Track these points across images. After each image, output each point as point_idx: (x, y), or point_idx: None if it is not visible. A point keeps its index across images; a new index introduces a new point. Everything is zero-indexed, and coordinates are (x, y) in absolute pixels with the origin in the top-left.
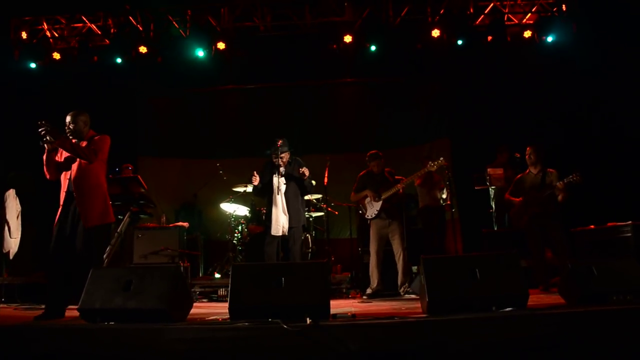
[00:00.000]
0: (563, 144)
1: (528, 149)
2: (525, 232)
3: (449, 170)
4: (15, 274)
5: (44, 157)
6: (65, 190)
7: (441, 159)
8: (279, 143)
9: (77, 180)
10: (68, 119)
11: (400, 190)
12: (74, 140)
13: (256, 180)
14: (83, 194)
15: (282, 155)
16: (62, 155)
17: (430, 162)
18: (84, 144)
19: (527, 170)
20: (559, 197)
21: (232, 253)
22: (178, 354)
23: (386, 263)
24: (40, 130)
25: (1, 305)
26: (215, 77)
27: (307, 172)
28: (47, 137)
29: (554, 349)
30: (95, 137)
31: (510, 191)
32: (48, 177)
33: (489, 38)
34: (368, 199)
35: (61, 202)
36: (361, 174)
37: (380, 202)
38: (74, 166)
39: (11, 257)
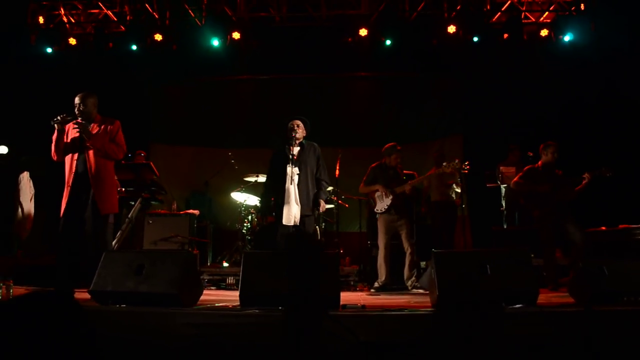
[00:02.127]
0: (576, 144)
1: (552, 147)
2: (539, 229)
3: (465, 169)
4: (27, 256)
5: (54, 137)
6: (72, 171)
7: (456, 160)
8: (297, 124)
9: (96, 170)
10: (77, 100)
11: (408, 190)
12: (96, 130)
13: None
14: (101, 183)
15: (297, 133)
16: (68, 136)
17: (445, 163)
18: (94, 127)
19: (540, 163)
20: (577, 187)
21: (241, 242)
22: (188, 338)
23: (393, 257)
24: (68, 118)
25: (14, 286)
26: (229, 66)
27: (323, 207)
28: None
29: (563, 347)
30: (110, 126)
31: (522, 177)
32: (55, 158)
33: (505, 36)
34: (379, 193)
35: (69, 184)
36: (373, 165)
37: (391, 198)
38: (91, 154)
39: (24, 239)
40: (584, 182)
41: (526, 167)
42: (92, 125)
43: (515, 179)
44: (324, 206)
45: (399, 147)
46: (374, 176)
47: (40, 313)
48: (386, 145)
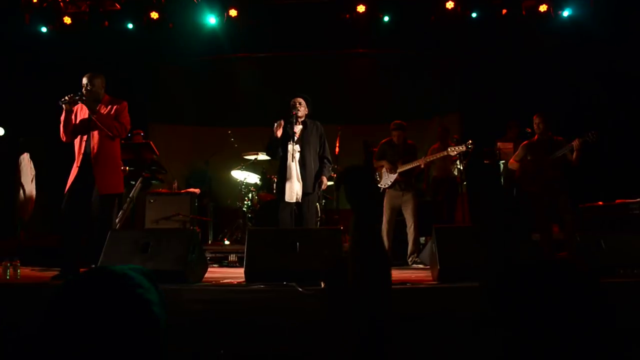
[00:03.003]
0: (573, 119)
1: (535, 117)
2: (533, 204)
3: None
4: (29, 237)
5: (62, 117)
6: (82, 152)
7: (467, 142)
8: (299, 101)
9: (99, 149)
10: (84, 80)
11: (422, 166)
12: (104, 111)
13: (280, 129)
14: (104, 163)
15: (299, 111)
16: (77, 117)
17: (451, 147)
18: (102, 108)
19: (535, 137)
20: (574, 156)
21: (242, 220)
22: (195, 314)
23: (395, 233)
24: (76, 98)
25: (20, 267)
26: (227, 44)
27: (324, 184)
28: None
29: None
30: (117, 106)
31: (516, 156)
32: (64, 139)
33: (504, 11)
34: (384, 169)
35: (77, 164)
36: (383, 141)
37: (396, 174)
38: (95, 134)
39: (26, 220)
40: (575, 148)
41: (522, 143)
42: (99, 105)
43: (511, 159)
44: (326, 183)
45: (404, 124)
46: (383, 151)
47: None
48: (393, 123)
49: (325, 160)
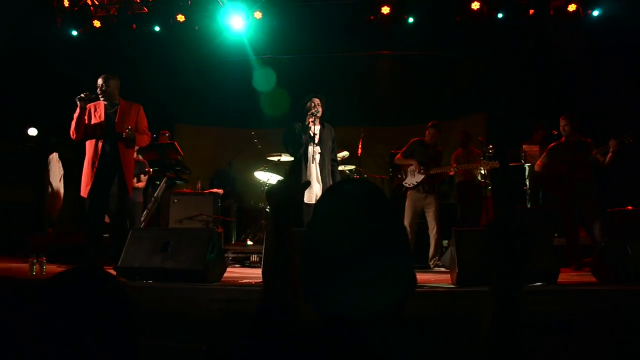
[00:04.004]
0: (601, 121)
1: (562, 119)
2: (561, 208)
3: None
4: (57, 234)
5: (76, 115)
6: (99, 154)
7: (496, 160)
8: (317, 102)
9: (126, 154)
10: (100, 81)
11: (452, 173)
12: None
13: (312, 118)
14: (128, 167)
15: (319, 112)
16: (90, 117)
17: (483, 161)
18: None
19: (562, 139)
20: (607, 157)
21: (264, 221)
22: (212, 313)
23: (417, 237)
24: (93, 96)
25: (46, 263)
26: (252, 46)
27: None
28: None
29: (582, 325)
30: (136, 115)
31: (544, 159)
32: (74, 137)
33: (531, 11)
34: (412, 167)
35: (96, 165)
36: (414, 139)
37: (423, 176)
38: (113, 139)
39: (54, 217)
40: (611, 149)
41: (549, 146)
42: (117, 107)
43: (538, 161)
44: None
45: (431, 123)
46: (413, 149)
47: (82, 289)
48: (430, 122)
49: (335, 163)
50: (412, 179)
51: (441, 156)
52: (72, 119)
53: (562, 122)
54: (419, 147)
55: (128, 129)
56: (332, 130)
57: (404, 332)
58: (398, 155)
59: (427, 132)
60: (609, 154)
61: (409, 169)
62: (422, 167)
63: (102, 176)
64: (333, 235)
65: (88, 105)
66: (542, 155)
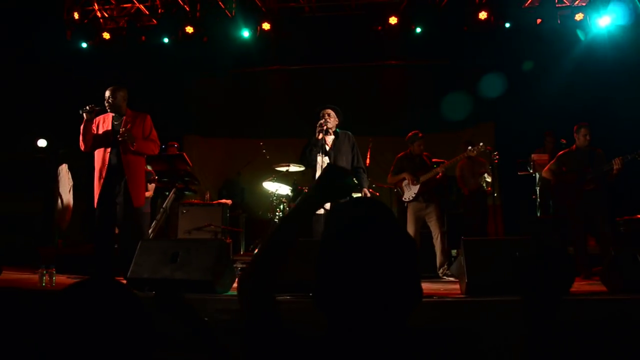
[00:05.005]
0: (609, 130)
1: (581, 129)
2: (570, 216)
3: (493, 152)
4: (67, 245)
5: (82, 126)
6: (105, 164)
7: (481, 144)
8: (327, 113)
9: (131, 164)
10: (107, 93)
11: (440, 174)
12: (131, 127)
13: (321, 133)
14: (135, 177)
15: (328, 122)
16: (98, 128)
17: (470, 147)
18: (126, 122)
19: (574, 147)
20: (614, 171)
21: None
22: (221, 324)
23: (425, 246)
24: (97, 108)
25: (55, 274)
26: (260, 57)
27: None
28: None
29: (593, 334)
30: (143, 124)
31: (552, 166)
32: (83, 147)
33: (538, 21)
34: (406, 182)
35: (103, 176)
36: (399, 155)
37: (418, 186)
38: (122, 149)
39: (64, 229)
40: (614, 168)
41: (559, 153)
42: (122, 118)
43: (546, 167)
44: (369, 194)
45: (420, 134)
46: (401, 166)
47: (96, 301)
48: (409, 134)
49: (361, 170)
50: (409, 192)
51: (428, 161)
52: (78, 130)
53: (582, 131)
54: (406, 161)
55: (124, 130)
56: (351, 138)
57: (409, 342)
58: (389, 176)
59: (413, 145)
60: (613, 172)
61: (403, 185)
62: (414, 178)
63: (108, 186)
64: (345, 251)
65: (97, 118)
66: (551, 162)
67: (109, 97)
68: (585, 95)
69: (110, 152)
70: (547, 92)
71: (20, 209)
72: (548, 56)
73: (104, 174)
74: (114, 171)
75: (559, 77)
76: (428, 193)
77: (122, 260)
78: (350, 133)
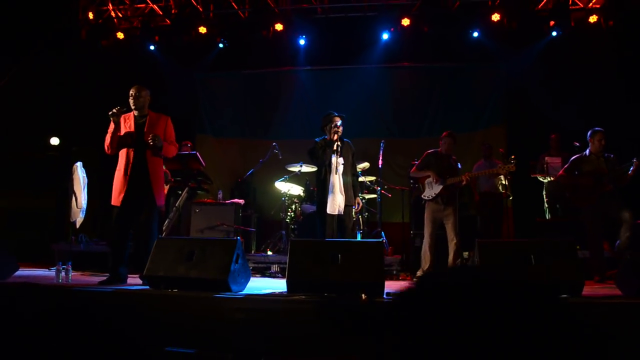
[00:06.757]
0: (624, 133)
1: (599, 134)
2: (587, 220)
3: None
4: (80, 243)
5: (110, 130)
6: (131, 163)
7: (512, 163)
8: (339, 121)
9: (155, 165)
10: (133, 91)
11: (465, 182)
12: (155, 130)
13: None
14: (157, 177)
15: (339, 129)
16: (121, 129)
17: (501, 164)
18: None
19: (587, 152)
20: (628, 176)
21: (284, 231)
22: (236, 322)
23: (437, 248)
24: (124, 109)
25: (72, 272)
26: (272, 58)
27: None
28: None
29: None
30: (165, 126)
31: (566, 170)
32: (109, 151)
33: (552, 23)
34: (429, 179)
35: (128, 174)
36: (429, 152)
37: (441, 187)
38: (144, 148)
39: (78, 226)
40: (633, 168)
41: (573, 158)
42: (146, 118)
43: (560, 172)
44: (361, 204)
45: (446, 134)
46: (428, 162)
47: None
48: (445, 133)
49: (355, 177)
50: (430, 191)
51: (457, 165)
52: (105, 133)
53: (597, 136)
54: (434, 159)
55: (153, 136)
56: (351, 145)
57: None
58: (413, 169)
59: (441, 143)
60: (630, 173)
61: (426, 182)
62: (439, 178)
63: (133, 185)
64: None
65: (120, 120)
66: (565, 167)
67: (134, 93)
68: (597, 98)
69: (135, 152)
70: (559, 95)
71: (34, 206)
72: (560, 59)
73: (129, 173)
74: (138, 170)
75: (571, 80)
76: (448, 195)
77: (139, 257)
78: (347, 140)
